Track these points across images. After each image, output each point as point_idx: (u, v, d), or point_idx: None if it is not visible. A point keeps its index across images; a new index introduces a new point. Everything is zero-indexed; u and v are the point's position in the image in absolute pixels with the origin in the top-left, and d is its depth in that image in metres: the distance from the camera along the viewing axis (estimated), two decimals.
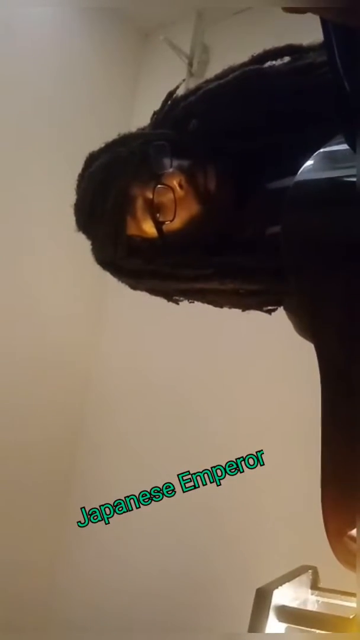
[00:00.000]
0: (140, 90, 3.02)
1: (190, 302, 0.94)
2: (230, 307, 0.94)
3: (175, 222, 0.82)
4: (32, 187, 2.62)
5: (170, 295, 0.93)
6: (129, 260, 0.87)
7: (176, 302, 0.95)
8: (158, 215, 0.82)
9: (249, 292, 0.87)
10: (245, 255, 0.83)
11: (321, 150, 0.72)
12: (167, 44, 2.79)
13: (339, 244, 0.66)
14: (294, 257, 0.70)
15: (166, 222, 0.82)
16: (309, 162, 0.71)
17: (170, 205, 0.81)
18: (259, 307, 0.93)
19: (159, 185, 0.81)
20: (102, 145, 0.91)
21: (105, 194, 0.84)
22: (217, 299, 0.91)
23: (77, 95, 2.82)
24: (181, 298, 0.94)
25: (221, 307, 0.94)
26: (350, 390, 0.64)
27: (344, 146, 0.68)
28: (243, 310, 0.94)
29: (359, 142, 0.61)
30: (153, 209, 0.82)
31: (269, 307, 0.92)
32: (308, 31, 0.78)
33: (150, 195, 0.82)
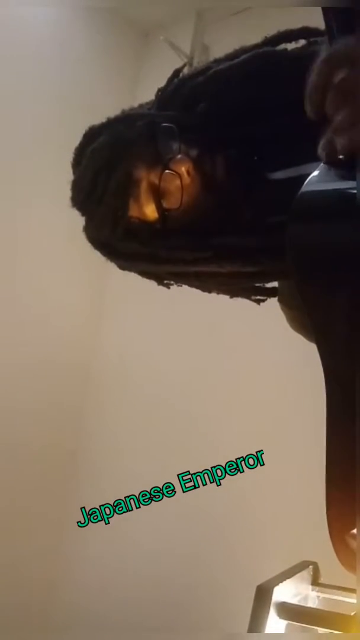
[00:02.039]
0: (140, 90, 3.02)
1: (178, 286, 0.93)
2: (218, 293, 0.92)
3: (179, 208, 0.80)
4: (32, 186, 2.63)
5: (161, 279, 0.91)
6: (125, 243, 0.85)
7: (167, 286, 0.93)
8: (162, 200, 0.80)
9: (245, 275, 0.85)
10: (244, 236, 0.82)
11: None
12: (167, 44, 2.79)
13: (345, 255, 0.66)
14: (299, 268, 0.70)
15: (171, 210, 0.80)
16: (315, 173, 0.70)
17: (176, 192, 0.79)
18: (247, 295, 0.92)
19: (167, 171, 0.79)
20: (104, 120, 0.88)
21: (109, 174, 0.81)
22: (208, 283, 0.90)
23: (77, 95, 2.82)
24: (172, 282, 0.92)
25: (209, 292, 0.93)
26: (354, 394, 0.64)
27: None
28: (231, 297, 0.93)
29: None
30: (158, 194, 0.80)
31: (258, 297, 0.92)
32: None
33: (156, 180, 0.80)
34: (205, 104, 0.83)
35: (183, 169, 0.79)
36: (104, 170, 0.82)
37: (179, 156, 0.80)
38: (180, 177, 0.79)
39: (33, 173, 2.63)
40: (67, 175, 0.90)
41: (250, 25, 2.57)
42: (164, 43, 2.80)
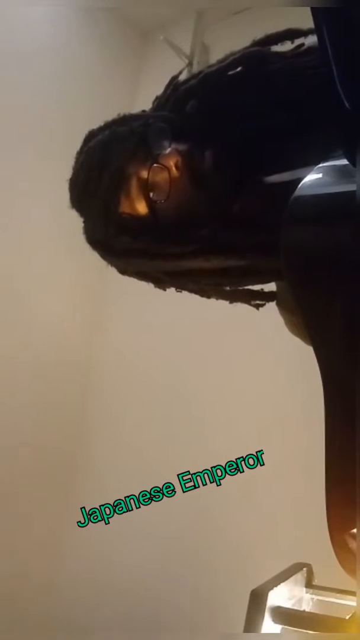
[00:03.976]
0: (140, 90, 3.03)
1: (177, 291, 0.94)
2: (217, 299, 0.93)
3: (167, 202, 0.81)
4: (31, 186, 2.63)
5: (157, 280, 0.93)
6: (118, 239, 0.86)
7: (164, 288, 0.94)
8: (152, 194, 0.82)
9: (235, 273, 0.86)
10: (229, 231, 0.83)
11: (321, 165, 0.72)
12: (167, 44, 2.79)
13: (340, 258, 0.66)
14: (294, 272, 0.70)
15: (159, 202, 0.82)
16: (308, 178, 0.71)
17: (164, 184, 0.81)
18: (246, 300, 0.92)
19: (155, 165, 0.81)
20: (102, 123, 0.91)
21: (101, 171, 0.84)
22: (205, 286, 0.91)
23: (77, 95, 2.82)
24: (167, 284, 0.93)
25: (208, 297, 0.94)
26: (353, 394, 0.64)
27: (344, 161, 0.68)
28: (230, 303, 0.93)
29: (359, 157, 0.61)
30: (147, 187, 0.82)
31: (257, 302, 0.92)
32: (309, 30, 0.78)
33: (145, 174, 0.82)
34: (194, 103, 0.86)
35: (171, 163, 0.81)
36: (97, 167, 0.85)
37: (168, 151, 0.82)
38: (169, 170, 0.81)
39: (34, 173, 2.63)
40: (66, 177, 0.91)
41: (251, 25, 2.57)
42: (164, 43, 2.80)
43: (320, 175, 0.71)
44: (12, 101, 2.60)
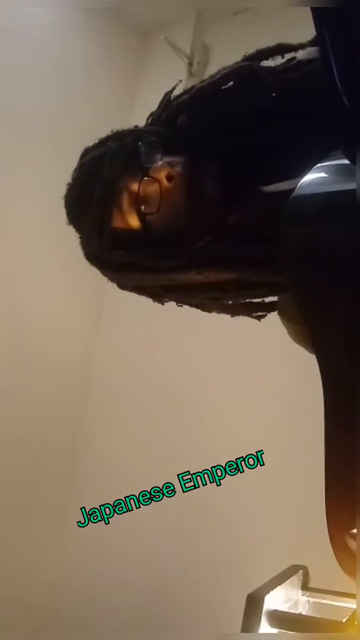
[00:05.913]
0: (140, 91, 3.02)
1: (179, 306, 0.94)
2: (218, 312, 0.93)
3: (159, 215, 0.82)
4: (30, 186, 2.63)
5: (155, 294, 0.93)
6: (113, 253, 0.87)
7: (161, 302, 0.94)
8: (143, 207, 0.82)
9: (230, 287, 0.87)
10: (224, 243, 0.84)
11: (318, 165, 0.72)
12: (167, 43, 2.79)
13: (340, 257, 0.66)
14: (294, 272, 0.70)
15: (150, 214, 0.82)
16: (307, 178, 0.71)
17: (155, 197, 0.81)
18: (247, 313, 0.92)
19: (145, 178, 0.81)
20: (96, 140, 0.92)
21: (93, 186, 0.84)
22: (204, 300, 0.91)
23: (77, 95, 2.82)
24: (165, 298, 0.93)
25: (210, 311, 0.94)
26: (353, 394, 0.64)
27: (343, 160, 0.68)
28: (232, 316, 0.94)
29: (359, 155, 0.61)
30: (138, 201, 0.82)
31: (259, 313, 0.92)
32: (308, 30, 0.78)
33: (136, 188, 0.82)
34: (184, 117, 0.87)
35: (162, 175, 0.82)
36: (90, 182, 0.85)
37: (159, 164, 0.82)
38: (159, 182, 0.81)
39: (31, 175, 2.63)
40: (64, 178, 0.91)
41: (250, 25, 2.57)
42: (164, 43, 2.80)
43: (319, 174, 0.70)
44: (11, 100, 2.60)
